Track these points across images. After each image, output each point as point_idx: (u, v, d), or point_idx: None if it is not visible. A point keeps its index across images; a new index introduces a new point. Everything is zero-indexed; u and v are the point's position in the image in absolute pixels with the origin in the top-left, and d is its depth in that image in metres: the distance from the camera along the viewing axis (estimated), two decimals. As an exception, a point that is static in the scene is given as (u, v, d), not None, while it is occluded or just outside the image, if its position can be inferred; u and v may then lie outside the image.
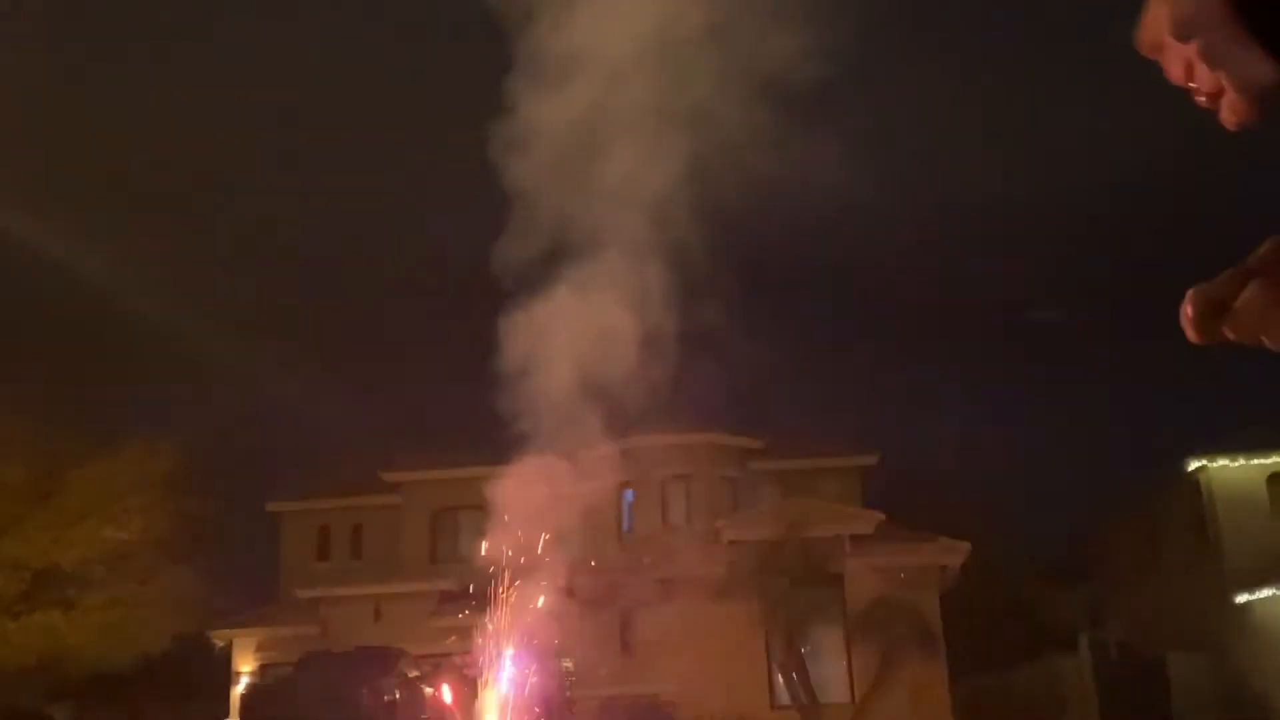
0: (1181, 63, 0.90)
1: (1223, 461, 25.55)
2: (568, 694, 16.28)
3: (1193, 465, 25.67)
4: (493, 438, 8.92)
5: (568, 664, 8.44)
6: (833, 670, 22.41)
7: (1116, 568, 28.68)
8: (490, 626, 8.42)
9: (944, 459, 31.45)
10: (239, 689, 23.42)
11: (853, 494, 25.24)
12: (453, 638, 8.52)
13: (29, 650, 20.89)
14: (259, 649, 25.53)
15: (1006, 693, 23.25)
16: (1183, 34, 0.88)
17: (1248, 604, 24.01)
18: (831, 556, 22.31)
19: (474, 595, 8.61)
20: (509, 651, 8.31)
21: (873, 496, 25.18)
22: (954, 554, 22.91)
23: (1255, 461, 25.32)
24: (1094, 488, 31.83)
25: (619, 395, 8.80)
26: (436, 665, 19.05)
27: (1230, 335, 0.89)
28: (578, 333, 8.89)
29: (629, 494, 24.80)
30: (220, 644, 26.40)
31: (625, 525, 24.79)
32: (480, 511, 8.81)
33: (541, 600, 8.39)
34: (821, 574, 21.94)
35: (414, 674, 18.89)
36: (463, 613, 8.56)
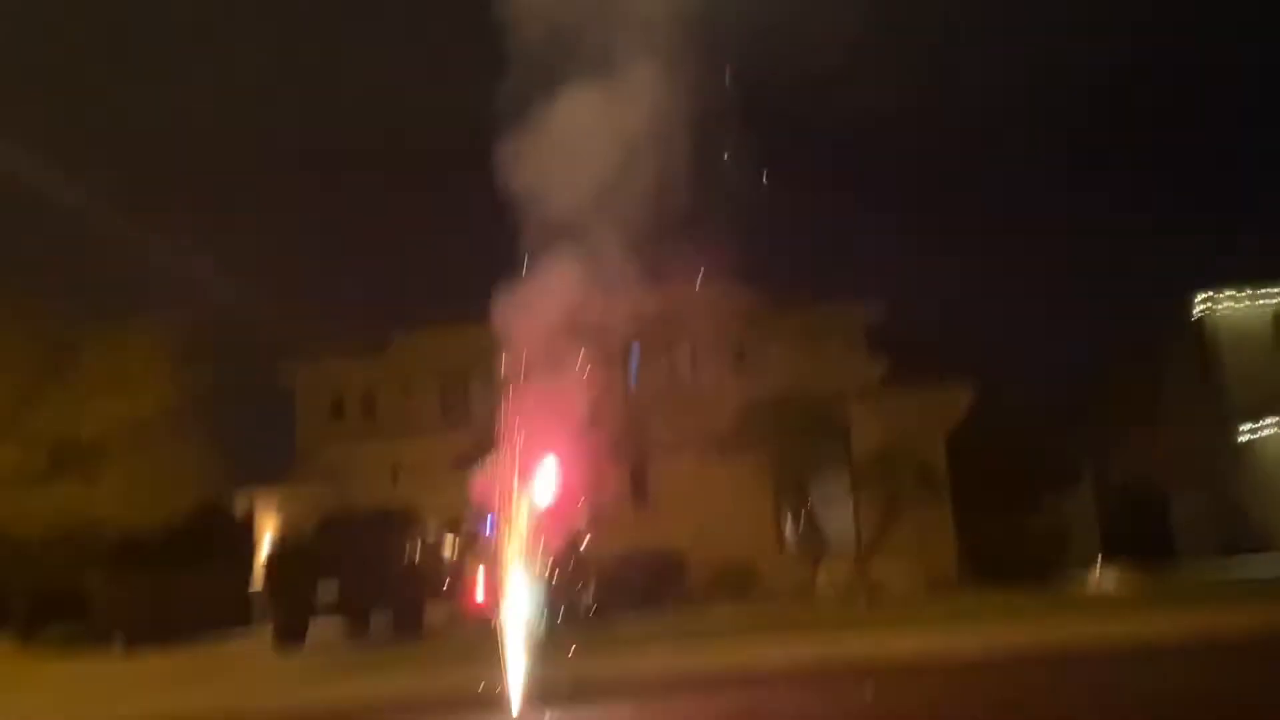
0: None
1: (1228, 300, 25.58)
2: (580, 549, 16.70)
3: (1198, 304, 25.70)
4: (500, 298, 8.93)
5: (579, 520, 8.63)
6: (839, 518, 22.89)
7: (1120, 410, 28.98)
8: (503, 485, 8.60)
9: (948, 307, 31.52)
10: (262, 553, 24.02)
11: (858, 344, 25.36)
12: (468, 497, 8.68)
13: (54, 522, 21.37)
14: (279, 513, 26.15)
15: (1011, 535, 23.76)
16: None
17: (1250, 441, 24.35)
18: (837, 407, 22.56)
19: (486, 454, 8.76)
20: (523, 510, 8.50)
21: (878, 346, 25.30)
22: (958, 400, 23.18)
23: (1261, 300, 25.34)
24: (1098, 330, 31.90)
25: (622, 251, 8.80)
26: (454, 525, 19.54)
27: None
28: (580, 188, 8.83)
29: (635, 352, 24.97)
30: (242, 510, 27.03)
31: (631, 383, 25.03)
32: (489, 372, 8.89)
33: (550, 460, 8.55)
34: (827, 424, 22.23)
35: (433, 533, 19.36)
36: (476, 471, 8.72)
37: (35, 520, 21.26)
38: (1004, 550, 22.56)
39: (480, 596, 8.35)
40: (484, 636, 8.30)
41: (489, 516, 8.62)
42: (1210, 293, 25.74)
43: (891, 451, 22.25)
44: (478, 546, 8.52)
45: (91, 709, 12.15)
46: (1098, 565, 20.15)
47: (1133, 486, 26.18)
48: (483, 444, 8.77)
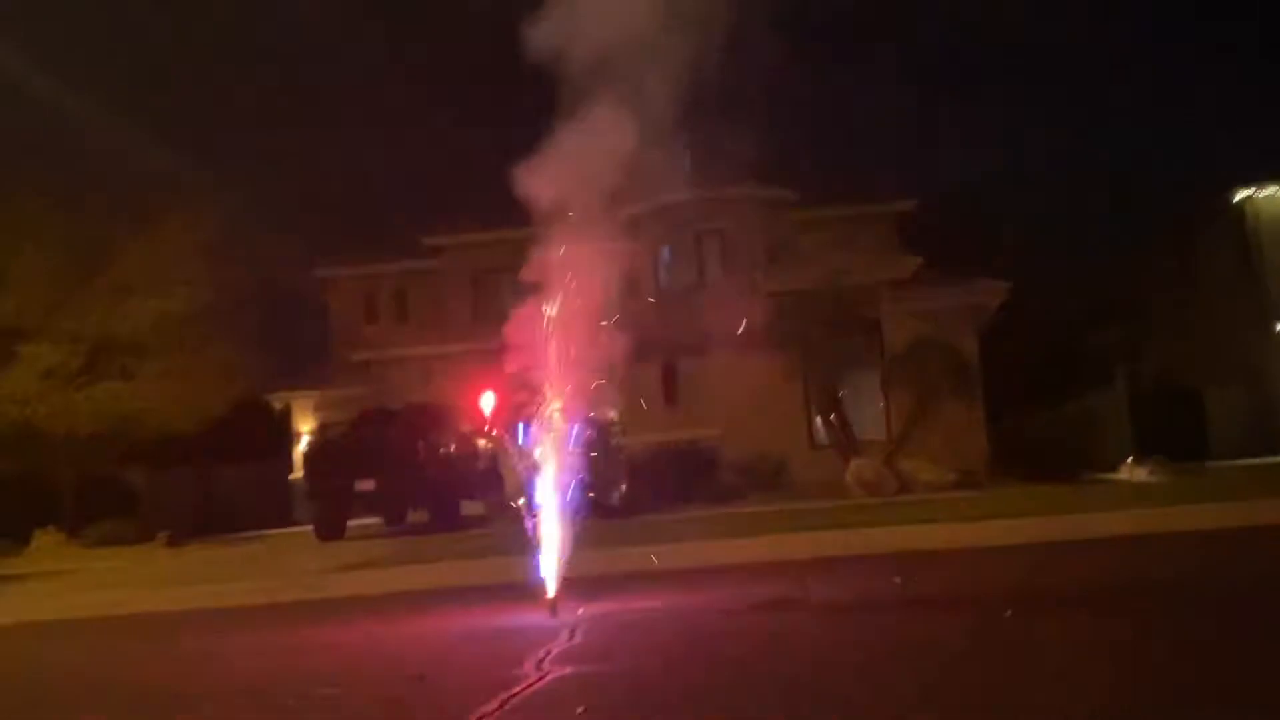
0: None
1: (1270, 190, 25.11)
2: (614, 442, 16.89)
3: (1239, 195, 25.25)
4: (530, 199, 8.89)
5: (613, 414, 8.69)
6: (870, 412, 22.98)
7: (1156, 304, 28.71)
8: (534, 381, 8.68)
9: (982, 201, 31.07)
10: (300, 447, 24.42)
11: (890, 240, 25.18)
12: (500, 395, 8.76)
13: (98, 418, 21.82)
14: (316, 410, 26.54)
15: (1042, 430, 23.78)
16: None
17: (1287, 334, 24.10)
18: (869, 303, 22.49)
19: (517, 352, 8.81)
20: (556, 405, 8.59)
21: (910, 242, 25.09)
22: (991, 295, 23.03)
23: (1303, 192, 24.86)
24: (1135, 224, 31.37)
25: (651, 150, 8.72)
26: (487, 421, 19.76)
27: None
28: (609, 82, 8.72)
29: (665, 251, 24.89)
30: (279, 406, 27.44)
31: (662, 282, 24.99)
32: (520, 273, 8.88)
33: (580, 355, 8.60)
34: (859, 320, 22.19)
35: (467, 431, 19.61)
36: (507, 369, 8.77)
37: (79, 417, 21.72)
38: (1035, 446, 22.60)
39: (513, 490, 8.47)
40: (518, 530, 8.45)
41: (521, 412, 8.70)
42: (1251, 184, 25.23)
43: (923, 346, 22.23)
44: (510, 442, 8.61)
45: (139, 599, 12.53)
46: (1129, 461, 20.16)
47: (1167, 382, 26.06)
48: (514, 342, 8.81)
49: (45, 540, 21.45)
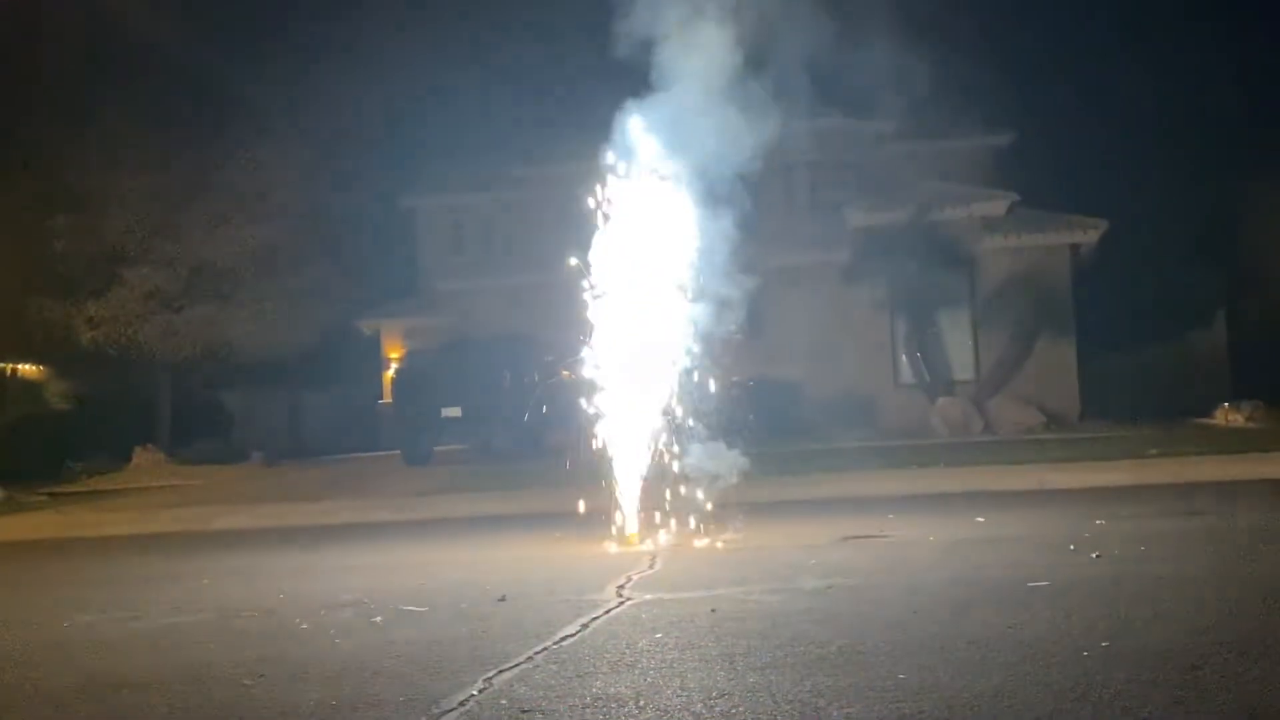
0: None
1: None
2: (695, 378, 16.82)
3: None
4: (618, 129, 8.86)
5: (694, 348, 8.68)
6: (959, 351, 22.62)
7: (1258, 242, 27.71)
8: (618, 312, 8.71)
9: (1080, 135, 30.12)
10: (389, 373, 24.84)
11: (985, 174, 24.55)
12: (584, 326, 8.79)
13: (194, 341, 22.40)
14: (404, 337, 26.95)
15: (1137, 369, 23.25)
16: None
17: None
18: (961, 239, 22.05)
19: (600, 283, 8.84)
20: (638, 337, 8.62)
21: (1006, 177, 24.47)
22: (1088, 232, 22.43)
23: None
24: (1238, 159, 30.18)
25: (747, 74, 8.61)
26: (570, 353, 19.89)
27: None
28: (702, 13, 8.61)
29: (752, 184, 24.61)
30: (368, 333, 27.92)
31: (749, 215, 24.74)
32: (604, 203, 8.87)
33: (668, 290, 8.59)
34: (951, 256, 21.79)
35: (552, 360, 19.76)
36: (591, 301, 8.81)
37: (178, 340, 22.34)
38: (1128, 388, 22.12)
39: (596, 422, 8.55)
40: (601, 460, 8.54)
41: (603, 345, 8.74)
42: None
43: (1016, 285, 21.78)
44: (592, 374, 8.66)
45: (235, 516, 12.95)
46: (1226, 405, 19.65)
47: (1269, 324, 25.23)
48: (596, 274, 8.82)
49: (145, 458, 22.20)
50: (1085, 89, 31.25)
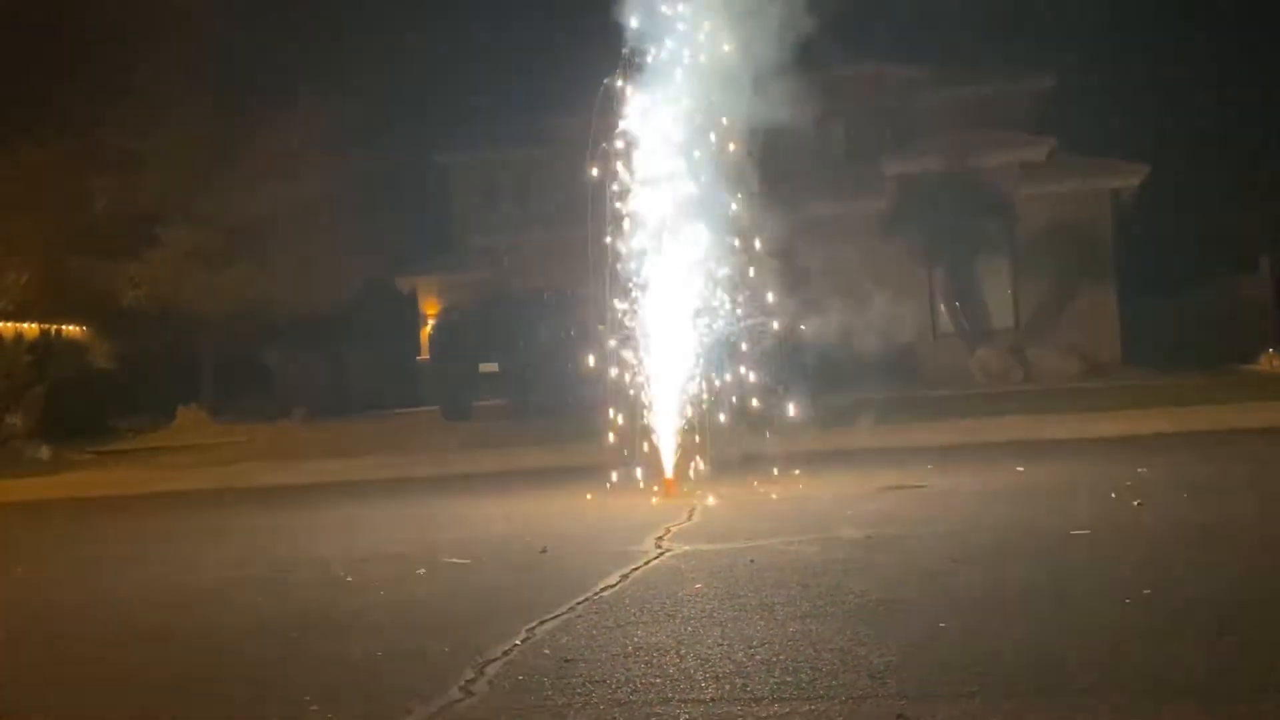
0: None
1: None
2: (733, 326, 16.78)
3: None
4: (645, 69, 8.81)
5: (726, 296, 8.65)
6: (998, 299, 22.41)
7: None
8: (652, 268, 8.71)
9: (1122, 78, 29.53)
10: (427, 330, 24.95)
11: (1025, 120, 24.14)
12: (618, 282, 8.80)
13: (235, 300, 22.58)
14: (441, 294, 27.04)
15: (1180, 315, 22.95)
16: None
17: None
18: (1001, 185, 21.76)
19: (632, 240, 8.84)
20: (673, 292, 8.62)
21: (1046, 122, 24.07)
22: (1130, 177, 22.06)
23: None
24: (1282, 100, 29.51)
25: (774, 27, 8.50)
26: (605, 309, 19.89)
27: None
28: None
29: (788, 131, 24.35)
30: (406, 290, 28.03)
31: (785, 163, 24.51)
32: (639, 157, 8.83)
33: (703, 240, 8.57)
34: (990, 203, 21.53)
35: (588, 317, 19.78)
36: (624, 257, 8.81)
37: (218, 299, 22.54)
38: (1170, 335, 21.87)
39: (631, 375, 8.57)
40: (638, 414, 8.58)
41: (638, 300, 8.75)
42: None
43: (1056, 232, 21.50)
44: (629, 329, 8.67)
45: (277, 471, 13.12)
46: (1270, 352, 19.37)
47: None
48: (632, 230, 8.82)
49: (188, 416, 22.51)
50: (1127, 30, 30.59)
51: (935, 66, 24.47)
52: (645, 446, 8.52)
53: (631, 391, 8.63)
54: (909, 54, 24.56)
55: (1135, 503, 6.61)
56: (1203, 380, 16.56)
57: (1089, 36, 29.81)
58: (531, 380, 19.54)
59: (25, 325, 21.81)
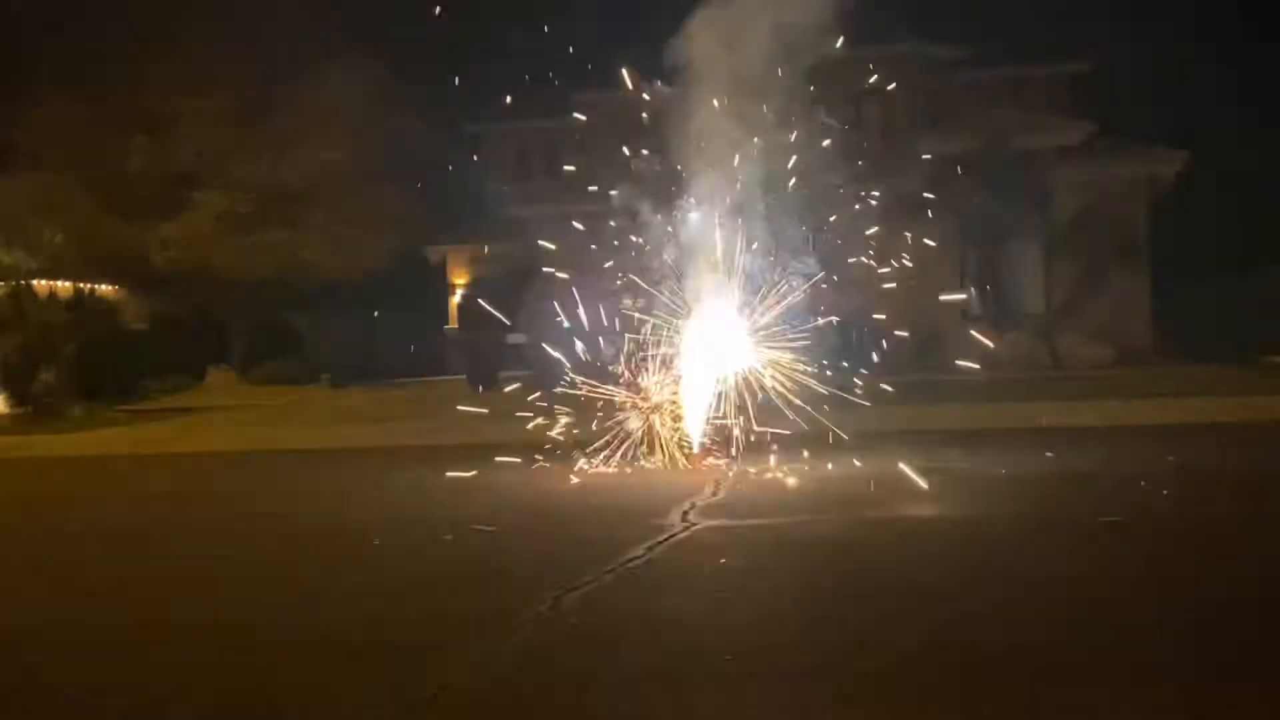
0: None
1: None
2: (757, 309, 16.76)
3: None
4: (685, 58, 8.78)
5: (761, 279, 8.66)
6: (1030, 284, 22.25)
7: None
8: (686, 246, 8.71)
9: (1160, 64, 29.15)
10: (455, 298, 25.02)
11: (1061, 104, 23.89)
12: (649, 258, 8.82)
13: (266, 264, 22.66)
14: (470, 263, 27.10)
15: (1214, 304, 22.72)
16: None
17: None
18: (1036, 169, 21.56)
19: (666, 215, 8.84)
20: (705, 270, 8.62)
21: (1083, 106, 23.81)
22: (1168, 164, 21.84)
23: None
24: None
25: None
26: (636, 285, 19.87)
27: None
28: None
29: (820, 111, 24.19)
30: (435, 259, 28.10)
31: (821, 140, 24.36)
32: (675, 132, 8.82)
33: (729, 217, 8.57)
34: (1024, 187, 21.33)
35: (620, 291, 19.77)
36: (657, 233, 8.82)
37: (249, 263, 22.63)
38: (1203, 324, 21.66)
39: (660, 352, 8.60)
40: (666, 390, 8.60)
41: (672, 276, 8.75)
42: None
43: (1091, 217, 21.31)
44: (660, 306, 8.69)
45: (306, 435, 13.22)
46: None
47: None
48: (664, 204, 8.82)
49: (217, 377, 22.70)
50: (1168, 16, 30.19)
51: (973, 47, 24.23)
52: (674, 421, 8.54)
53: (662, 366, 8.66)
54: (947, 35, 24.32)
55: (1164, 492, 6.57)
56: (1236, 371, 16.40)
57: (1131, 20, 29.46)
58: (559, 354, 19.57)
59: (59, 284, 21.99)
